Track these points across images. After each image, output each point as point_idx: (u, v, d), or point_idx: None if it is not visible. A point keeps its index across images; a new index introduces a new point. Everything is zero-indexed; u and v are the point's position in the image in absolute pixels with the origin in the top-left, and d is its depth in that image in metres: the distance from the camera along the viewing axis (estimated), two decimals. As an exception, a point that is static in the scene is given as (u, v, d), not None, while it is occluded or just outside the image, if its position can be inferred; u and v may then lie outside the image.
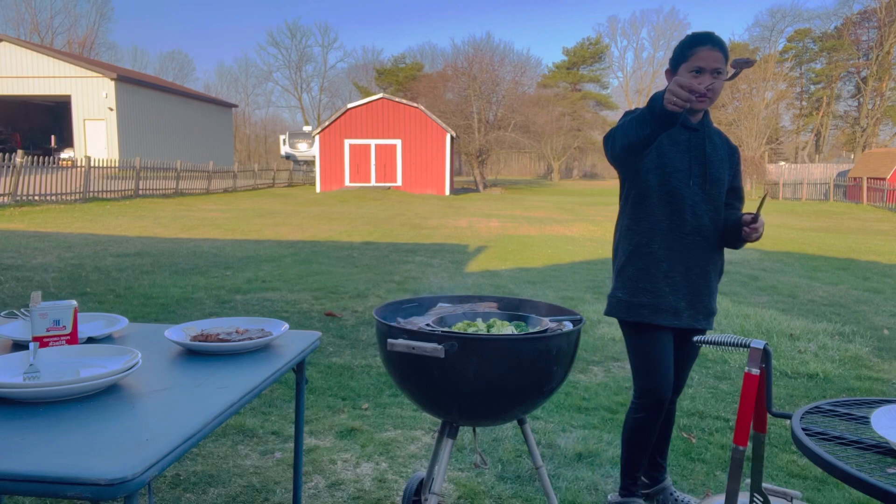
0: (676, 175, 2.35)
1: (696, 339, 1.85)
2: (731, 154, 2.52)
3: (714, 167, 2.40)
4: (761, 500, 1.71)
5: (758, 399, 1.71)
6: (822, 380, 4.41)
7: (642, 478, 2.74)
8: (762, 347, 1.69)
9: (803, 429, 1.46)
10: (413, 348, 1.81)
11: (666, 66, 2.44)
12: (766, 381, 1.73)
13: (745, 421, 1.72)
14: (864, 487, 1.21)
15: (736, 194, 2.55)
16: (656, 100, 1.98)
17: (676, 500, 2.66)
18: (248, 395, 1.51)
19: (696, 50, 2.28)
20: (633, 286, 2.41)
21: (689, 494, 2.74)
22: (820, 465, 1.30)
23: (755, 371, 1.69)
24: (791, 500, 2.31)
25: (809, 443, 1.37)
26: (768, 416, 1.77)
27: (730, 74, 2.11)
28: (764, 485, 2.34)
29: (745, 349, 1.69)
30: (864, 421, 1.51)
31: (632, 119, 2.13)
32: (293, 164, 40.54)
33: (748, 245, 11.85)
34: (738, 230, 2.38)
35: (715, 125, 2.52)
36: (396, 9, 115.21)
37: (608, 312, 2.52)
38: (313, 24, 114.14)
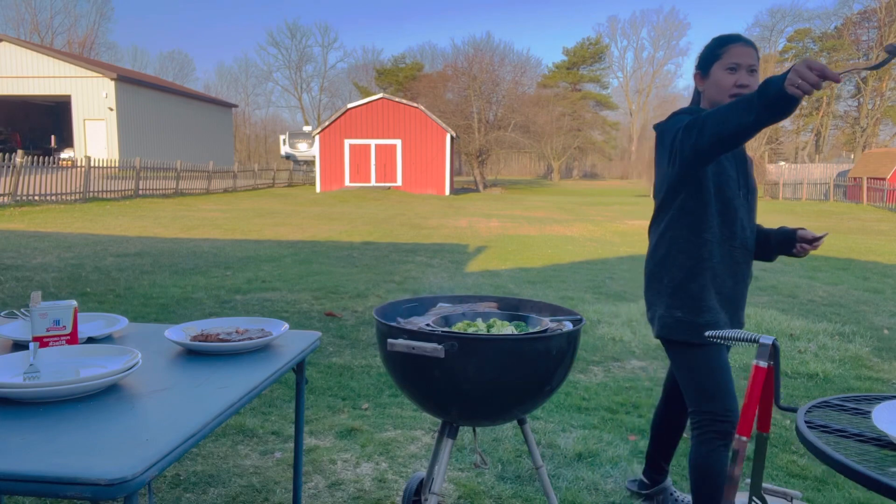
0: (730, 185, 2.19)
1: (707, 333, 1.83)
2: (751, 163, 2.41)
3: (751, 176, 2.30)
4: (760, 502, 1.72)
5: (764, 395, 1.71)
6: (822, 380, 4.41)
7: (643, 478, 2.74)
8: (771, 343, 1.69)
9: (806, 422, 1.48)
10: (413, 348, 1.81)
11: (694, 71, 2.32)
12: (774, 376, 1.74)
13: (750, 412, 1.72)
14: (857, 477, 1.22)
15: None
16: (770, 84, 1.73)
17: (676, 500, 2.66)
18: (248, 395, 1.51)
19: (728, 47, 2.17)
20: (696, 304, 2.18)
21: (690, 494, 2.74)
22: (816, 454, 1.33)
23: (763, 364, 1.70)
24: (791, 500, 2.31)
25: (808, 433, 1.39)
26: (772, 416, 1.78)
27: (880, 60, 1.78)
28: (764, 485, 2.34)
29: (754, 344, 1.71)
30: (870, 415, 1.52)
31: (732, 104, 1.86)
32: (293, 164, 40.54)
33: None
34: (780, 243, 2.30)
35: None
36: (396, 9, 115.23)
37: (663, 334, 2.24)
38: (313, 24, 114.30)
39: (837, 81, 1.70)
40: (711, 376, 2.19)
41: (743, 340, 1.77)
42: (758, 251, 2.36)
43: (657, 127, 2.26)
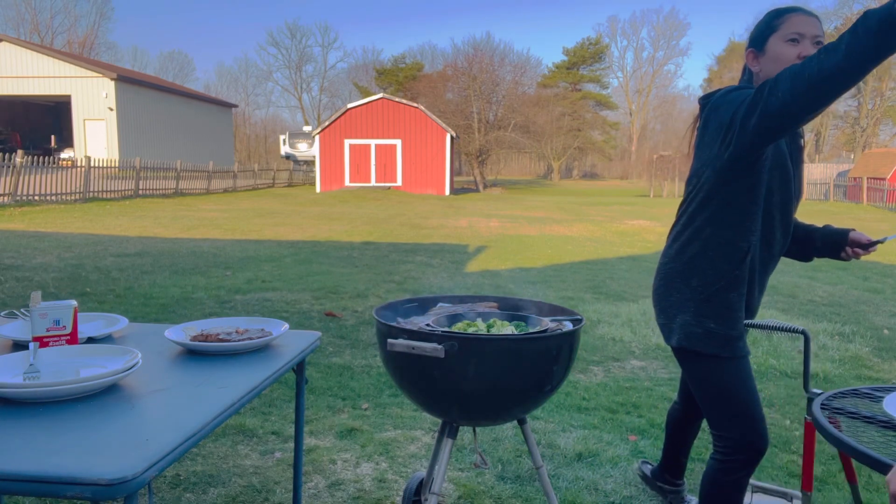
0: (788, 187, 1.90)
1: (745, 322, 1.81)
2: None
3: (801, 166, 1.99)
4: None
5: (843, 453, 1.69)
6: (822, 380, 4.41)
7: (667, 476, 2.65)
8: (801, 331, 1.74)
9: (822, 404, 1.52)
10: (413, 348, 1.81)
11: (746, 49, 2.00)
12: (804, 362, 1.81)
13: (809, 466, 1.78)
14: (858, 456, 1.24)
15: None
16: (872, 12, 1.41)
17: (683, 500, 2.65)
18: (248, 395, 1.51)
19: (787, 16, 1.86)
20: (732, 315, 1.92)
21: (690, 494, 2.74)
22: (823, 434, 1.39)
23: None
24: (791, 500, 2.31)
25: (818, 413, 1.42)
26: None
27: None
28: (764, 484, 2.35)
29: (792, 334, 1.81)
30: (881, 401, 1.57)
31: (811, 56, 1.54)
32: (293, 164, 40.54)
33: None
34: (827, 245, 2.08)
35: None
36: (396, 9, 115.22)
37: (689, 345, 1.96)
38: (313, 24, 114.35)
39: None
40: (739, 395, 1.93)
41: (778, 329, 1.82)
42: (796, 249, 2.13)
43: (707, 99, 1.92)
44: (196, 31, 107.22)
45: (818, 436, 2.00)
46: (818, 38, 1.84)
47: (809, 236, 2.12)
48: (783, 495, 2.31)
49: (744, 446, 1.92)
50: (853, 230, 2.05)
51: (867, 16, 1.42)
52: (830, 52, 1.48)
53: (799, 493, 2.24)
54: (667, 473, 2.66)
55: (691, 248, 1.96)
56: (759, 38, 1.92)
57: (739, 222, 1.87)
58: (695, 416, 2.47)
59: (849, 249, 2.04)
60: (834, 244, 2.07)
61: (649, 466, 2.80)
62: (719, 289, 1.91)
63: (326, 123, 31.43)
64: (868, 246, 2.02)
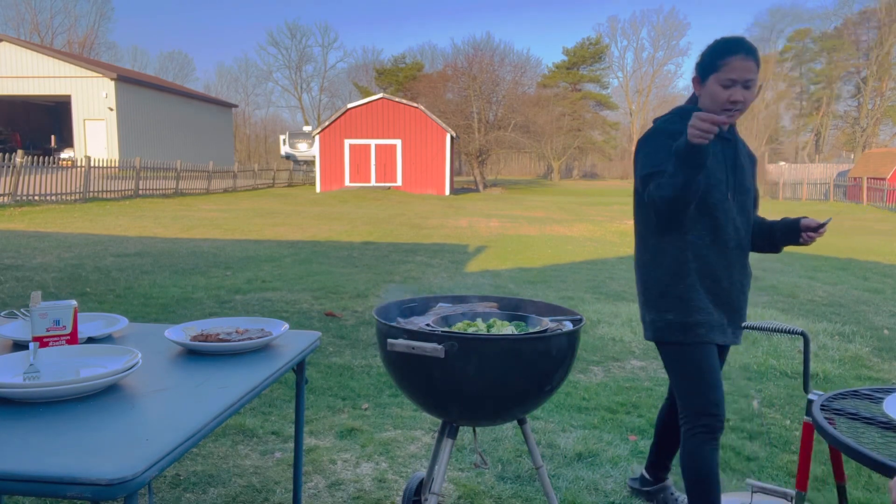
0: (718, 188, 2.21)
1: (743, 324, 1.90)
2: (753, 163, 2.43)
3: (745, 177, 2.31)
4: None
5: (833, 451, 1.77)
6: (822, 380, 4.41)
7: (644, 474, 2.74)
8: (812, 400, 1.79)
9: (822, 406, 1.53)
10: (413, 348, 1.81)
11: (693, 73, 2.29)
12: (804, 363, 1.87)
13: (805, 466, 1.83)
14: (859, 457, 1.25)
15: (755, 201, 2.47)
16: (679, 146, 1.91)
17: (676, 500, 2.66)
18: (248, 395, 1.51)
19: (727, 60, 2.13)
20: (686, 305, 2.21)
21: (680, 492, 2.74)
22: (825, 436, 1.38)
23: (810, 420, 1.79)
24: (791, 500, 2.31)
25: (819, 415, 1.42)
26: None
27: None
28: (763, 484, 2.35)
29: (792, 335, 1.83)
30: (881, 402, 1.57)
31: (661, 174, 2.04)
32: (293, 164, 40.53)
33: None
34: (785, 235, 2.31)
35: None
36: (396, 9, 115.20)
37: (656, 337, 2.27)
38: (313, 24, 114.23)
39: (724, 123, 1.86)
40: (701, 374, 2.21)
41: (777, 331, 1.87)
42: (764, 244, 2.38)
43: (655, 122, 2.33)
44: (196, 31, 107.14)
45: (818, 436, 2.01)
46: (749, 82, 2.14)
47: (771, 230, 2.38)
48: (783, 495, 2.31)
49: (702, 414, 2.20)
50: (805, 217, 2.30)
51: (677, 147, 1.92)
52: (664, 186, 2.00)
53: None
54: (652, 469, 2.70)
55: (640, 254, 2.33)
56: (703, 71, 2.21)
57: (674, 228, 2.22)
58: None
59: (804, 234, 2.27)
60: (791, 232, 2.31)
61: (636, 479, 2.81)
62: (668, 284, 2.22)
63: (326, 123, 31.43)
64: (818, 228, 2.25)
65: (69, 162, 18.97)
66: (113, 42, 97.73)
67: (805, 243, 2.30)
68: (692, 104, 2.32)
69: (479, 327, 2.04)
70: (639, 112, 68.99)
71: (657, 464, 2.69)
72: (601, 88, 66.77)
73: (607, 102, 65.69)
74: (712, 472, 2.19)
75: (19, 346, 1.80)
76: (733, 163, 2.26)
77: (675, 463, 3.06)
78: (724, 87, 2.14)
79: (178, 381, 1.57)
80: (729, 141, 2.27)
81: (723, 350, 2.40)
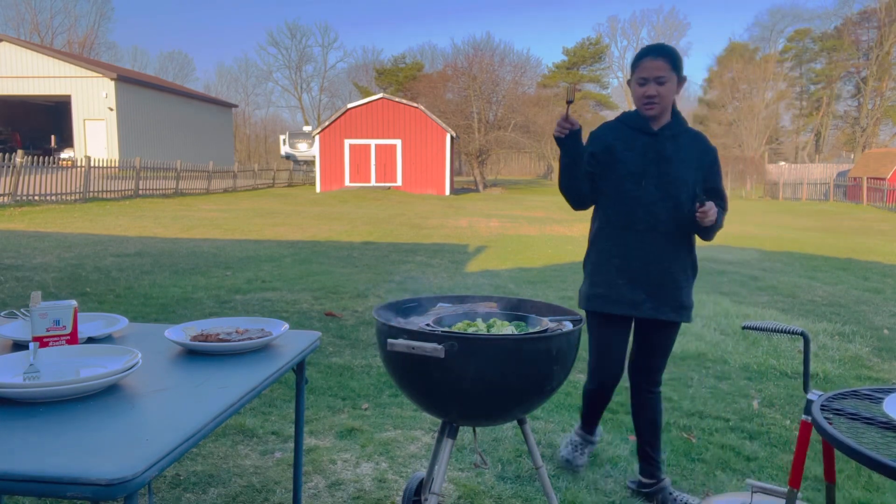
0: (630, 178, 2.53)
1: (744, 325, 2.03)
2: (703, 154, 2.59)
3: (674, 167, 2.52)
4: None
5: (826, 451, 1.78)
6: (822, 380, 4.41)
7: (641, 479, 2.75)
8: (812, 401, 1.80)
9: (822, 406, 1.53)
10: (413, 348, 1.81)
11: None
12: (804, 363, 1.93)
13: (799, 463, 1.85)
14: (859, 457, 1.25)
15: (716, 194, 2.61)
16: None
17: (675, 500, 2.66)
18: (248, 395, 1.51)
19: (640, 62, 2.49)
20: (590, 279, 2.64)
21: (689, 494, 2.74)
22: (825, 436, 1.40)
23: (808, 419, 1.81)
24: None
25: (818, 415, 1.43)
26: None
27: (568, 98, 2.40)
28: (763, 484, 2.35)
29: (792, 335, 1.84)
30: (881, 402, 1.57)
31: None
32: (293, 164, 40.52)
33: (748, 244, 11.71)
34: (693, 220, 2.51)
35: (697, 128, 2.70)
36: (396, 9, 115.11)
37: (579, 305, 2.71)
38: (313, 24, 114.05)
39: (573, 125, 2.42)
40: (593, 340, 2.67)
41: (777, 332, 1.95)
42: (697, 231, 2.58)
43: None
44: (196, 31, 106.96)
45: (815, 435, 2.02)
46: (661, 79, 2.47)
47: (693, 221, 2.56)
48: (783, 495, 2.31)
49: (592, 373, 2.71)
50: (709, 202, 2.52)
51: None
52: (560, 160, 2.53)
53: (799, 494, 2.24)
54: (648, 466, 2.76)
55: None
56: (631, 76, 2.58)
57: (594, 214, 2.69)
58: (638, 391, 2.78)
59: (698, 213, 2.45)
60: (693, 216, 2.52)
61: (634, 482, 2.82)
62: (587, 260, 2.70)
63: (326, 123, 31.42)
64: (700, 206, 2.43)
65: (69, 162, 18.96)
66: (113, 42, 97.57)
67: (702, 221, 2.45)
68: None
69: (479, 327, 2.04)
70: (639, 112, 68.95)
71: (644, 457, 2.76)
72: (601, 88, 66.70)
73: (607, 102, 65.59)
74: (595, 406, 2.84)
75: (19, 346, 1.80)
76: (656, 156, 2.53)
77: (671, 461, 3.06)
78: (639, 84, 2.51)
79: (178, 381, 1.57)
80: (655, 135, 2.55)
81: (654, 324, 2.61)
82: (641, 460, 2.77)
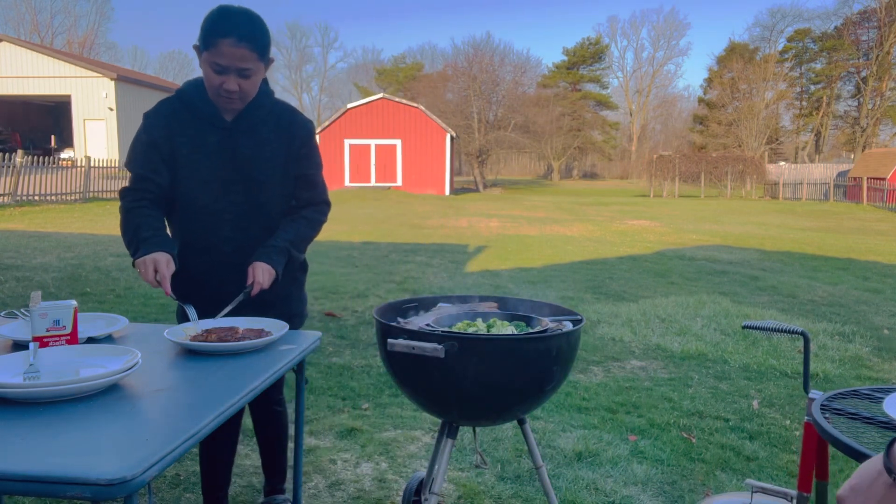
0: (208, 187, 2.04)
1: (744, 324, 1.97)
2: (290, 140, 2.12)
3: (254, 168, 2.07)
4: None
5: (819, 448, 1.79)
6: (822, 380, 4.41)
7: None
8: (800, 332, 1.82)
9: (822, 405, 1.54)
10: (413, 348, 1.81)
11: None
12: (804, 363, 1.90)
13: (807, 467, 1.85)
14: (859, 457, 1.26)
15: (305, 183, 2.18)
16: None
17: None
18: (248, 395, 1.51)
19: (216, 42, 1.90)
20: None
21: (690, 494, 2.74)
22: (825, 435, 1.41)
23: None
24: (791, 500, 2.31)
25: (818, 414, 1.42)
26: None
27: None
28: (763, 485, 2.35)
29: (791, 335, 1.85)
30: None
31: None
32: (293, 164, 40.47)
33: (748, 244, 11.70)
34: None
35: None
36: (396, 9, 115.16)
37: None
38: (313, 24, 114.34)
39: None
40: None
41: (777, 331, 1.94)
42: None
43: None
44: (196, 31, 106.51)
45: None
46: (246, 71, 1.93)
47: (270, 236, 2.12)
48: (783, 496, 2.31)
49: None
50: (255, 263, 2.04)
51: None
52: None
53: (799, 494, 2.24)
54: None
55: None
56: (201, 42, 1.95)
57: (173, 232, 2.15)
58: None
59: (249, 270, 2.04)
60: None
61: None
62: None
63: (326, 123, 31.42)
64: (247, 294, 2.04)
65: (69, 162, 18.99)
66: (113, 42, 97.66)
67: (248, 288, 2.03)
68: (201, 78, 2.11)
69: (479, 327, 2.04)
70: (639, 112, 68.99)
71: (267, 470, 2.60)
72: (601, 88, 66.68)
73: (607, 102, 65.61)
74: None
75: (19, 346, 1.79)
76: (231, 155, 2.05)
77: (671, 461, 3.05)
78: (215, 71, 1.93)
79: (178, 381, 1.57)
80: (229, 130, 2.06)
81: None
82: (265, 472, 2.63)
